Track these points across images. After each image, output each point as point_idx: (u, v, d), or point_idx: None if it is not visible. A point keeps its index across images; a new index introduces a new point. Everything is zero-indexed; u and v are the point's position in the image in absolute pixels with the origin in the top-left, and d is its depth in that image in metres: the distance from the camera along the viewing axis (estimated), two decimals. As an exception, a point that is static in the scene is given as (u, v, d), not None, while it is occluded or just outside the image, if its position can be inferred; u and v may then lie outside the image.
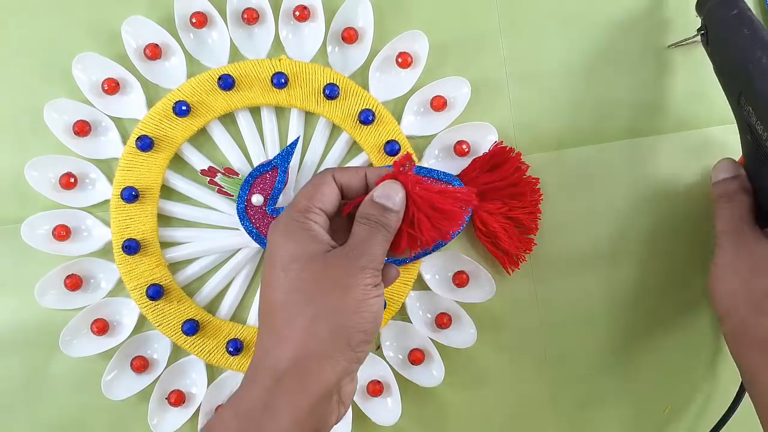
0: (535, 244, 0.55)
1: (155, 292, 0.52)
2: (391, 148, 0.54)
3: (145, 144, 0.52)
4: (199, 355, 0.53)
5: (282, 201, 0.53)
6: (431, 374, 0.54)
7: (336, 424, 0.43)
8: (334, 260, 0.42)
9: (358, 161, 0.55)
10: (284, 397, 0.40)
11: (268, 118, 0.54)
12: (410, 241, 0.45)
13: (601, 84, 0.57)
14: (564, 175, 0.57)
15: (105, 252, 0.53)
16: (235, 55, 0.54)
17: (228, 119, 0.55)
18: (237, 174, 0.53)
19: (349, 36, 0.54)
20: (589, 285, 0.57)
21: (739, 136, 0.51)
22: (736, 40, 0.49)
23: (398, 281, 0.53)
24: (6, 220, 0.53)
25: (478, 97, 0.55)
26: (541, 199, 0.55)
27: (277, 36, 0.54)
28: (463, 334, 0.54)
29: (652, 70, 0.58)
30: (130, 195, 0.52)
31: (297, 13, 0.53)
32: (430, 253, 0.53)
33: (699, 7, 0.53)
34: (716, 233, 0.53)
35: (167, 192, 0.54)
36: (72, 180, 0.52)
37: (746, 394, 0.56)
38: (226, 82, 0.53)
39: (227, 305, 0.54)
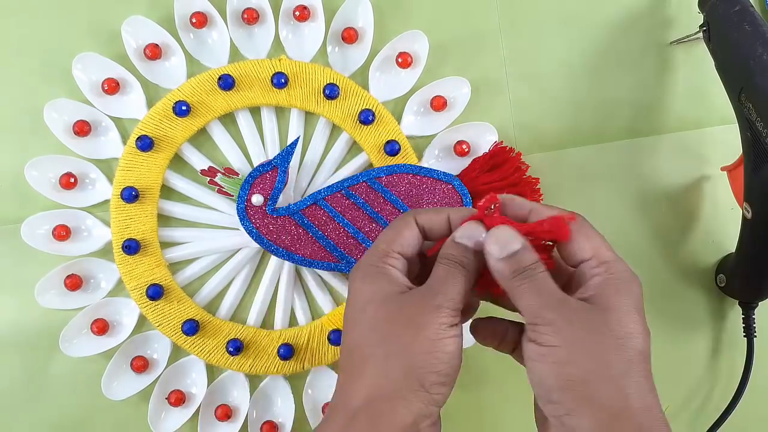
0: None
1: (155, 292, 0.52)
2: (391, 148, 0.54)
3: (145, 144, 0.52)
4: (199, 355, 0.53)
5: (282, 201, 0.53)
6: (431, 374, 0.54)
7: None
8: (410, 299, 0.41)
9: (358, 161, 0.55)
10: None
11: (268, 118, 0.55)
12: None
13: (601, 84, 0.57)
14: (564, 175, 0.57)
15: (105, 252, 0.53)
16: (235, 55, 0.54)
17: (228, 119, 0.55)
18: (237, 174, 0.53)
19: (349, 36, 0.54)
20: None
21: (739, 134, 0.51)
22: (737, 36, 0.49)
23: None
24: (6, 220, 0.53)
25: (478, 97, 0.55)
26: (541, 199, 0.55)
27: (277, 36, 0.54)
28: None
29: (653, 69, 0.58)
30: (130, 195, 0.52)
31: (297, 13, 0.53)
32: None
33: (702, 4, 0.53)
34: (529, 315, 0.40)
35: (167, 192, 0.54)
36: (72, 180, 0.52)
37: (745, 394, 0.56)
38: (226, 82, 0.53)
39: (227, 305, 0.54)
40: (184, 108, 0.52)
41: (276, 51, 0.54)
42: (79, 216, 0.53)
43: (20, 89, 0.53)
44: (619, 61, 0.57)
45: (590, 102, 0.57)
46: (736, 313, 0.58)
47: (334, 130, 0.55)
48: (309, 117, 0.55)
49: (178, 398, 0.53)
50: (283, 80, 0.53)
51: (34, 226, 0.52)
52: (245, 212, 0.52)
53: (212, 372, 0.54)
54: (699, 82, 0.58)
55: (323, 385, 0.54)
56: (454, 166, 0.55)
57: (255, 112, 0.55)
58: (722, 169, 0.56)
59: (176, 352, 0.54)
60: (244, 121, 0.54)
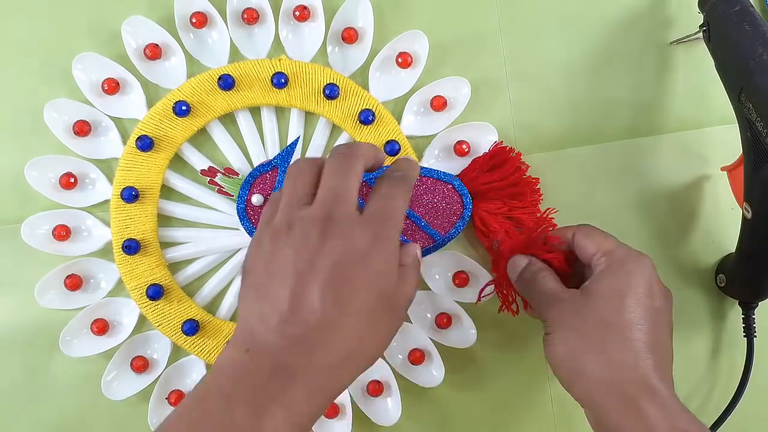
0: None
1: (155, 292, 0.52)
2: (391, 148, 0.54)
3: (145, 144, 0.52)
4: (199, 355, 0.53)
5: (282, 201, 0.53)
6: (431, 374, 0.54)
7: None
8: None
9: (358, 161, 0.55)
10: None
11: (268, 118, 0.55)
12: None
13: (601, 84, 0.57)
14: (564, 175, 0.57)
15: (105, 252, 0.53)
16: (235, 55, 0.54)
17: (228, 119, 0.55)
18: (237, 174, 0.53)
19: (349, 36, 0.54)
20: (589, 285, 0.57)
21: (739, 134, 0.51)
22: (737, 36, 0.49)
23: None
24: (6, 220, 0.53)
25: (478, 97, 0.55)
26: (541, 199, 0.55)
27: (277, 36, 0.54)
28: (463, 334, 0.54)
29: (653, 69, 0.58)
30: (130, 195, 0.52)
31: (297, 13, 0.53)
32: (432, 251, 0.53)
33: (702, 4, 0.53)
34: (537, 315, 0.49)
35: (167, 192, 0.54)
36: (72, 180, 0.52)
37: (745, 394, 0.56)
38: (226, 82, 0.53)
39: (227, 305, 0.54)
40: (184, 108, 0.52)
41: (276, 51, 0.54)
42: (79, 216, 0.53)
43: (20, 89, 0.53)
44: (619, 61, 0.57)
45: (590, 102, 0.57)
46: (736, 313, 0.58)
47: (334, 130, 0.55)
48: (309, 117, 0.55)
49: (178, 398, 0.53)
50: (283, 80, 0.53)
51: (34, 226, 0.52)
52: (245, 212, 0.52)
53: (212, 372, 0.54)
54: (699, 82, 0.58)
55: (323, 385, 0.54)
56: (454, 166, 0.55)
57: (255, 112, 0.55)
58: (722, 169, 0.56)
59: (176, 352, 0.54)
60: (244, 121, 0.54)
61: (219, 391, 0.39)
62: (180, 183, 0.54)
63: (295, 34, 0.54)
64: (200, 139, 0.54)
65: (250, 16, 0.53)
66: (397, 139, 0.54)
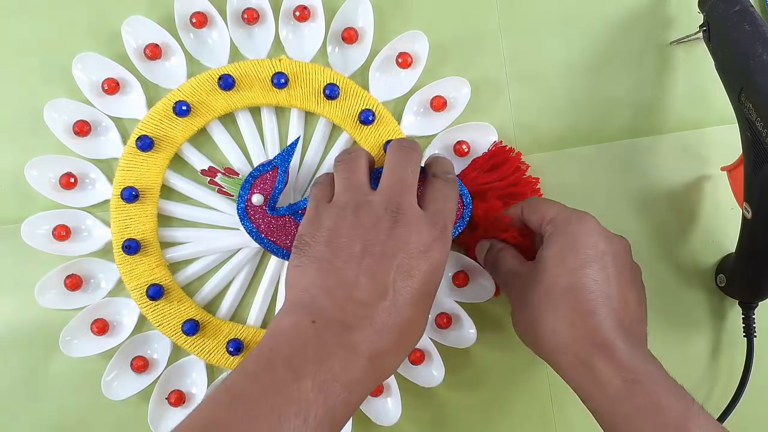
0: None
1: (155, 292, 0.52)
2: (391, 148, 0.54)
3: (145, 144, 0.52)
4: (199, 355, 0.53)
5: (282, 201, 0.53)
6: (431, 374, 0.54)
7: None
8: None
9: (358, 161, 0.55)
10: None
11: (268, 118, 0.55)
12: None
13: (601, 84, 0.57)
14: (564, 175, 0.57)
15: (105, 252, 0.53)
16: (235, 55, 0.54)
17: (228, 119, 0.55)
18: (237, 174, 0.53)
19: (349, 36, 0.54)
20: (589, 285, 0.57)
21: (739, 134, 0.51)
22: (737, 36, 0.49)
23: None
24: (6, 220, 0.53)
25: (478, 97, 0.55)
26: (541, 199, 0.56)
27: (277, 36, 0.54)
28: (462, 334, 0.54)
29: (653, 69, 0.58)
30: (130, 195, 0.52)
31: (297, 13, 0.53)
32: None
33: (702, 4, 0.53)
34: (507, 295, 0.52)
35: (167, 192, 0.54)
36: (72, 180, 0.52)
37: (745, 394, 0.56)
38: (226, 82, 0.53)
39: (227, 305, 0.54)
40: (184, 108, 0.52)
41: (276, 51, 0.54)
42: (79, 216, 0.53)
43: (20, 89, 0.53)
44: (619, 61, 0.57)
45: (590, 102, 0.57)
46: (736, 313, 0.58)
47: (335, 130, 0.55)
48: (309, 117, 0.55)
49: (178, 398, 0.53)
50: (283, 80, 0.53)
51: (34, 226, 0.52)
52: (245, 212, 0.52)
53: (212, 372, 0.54)
54: (699, 82, 0.58)
55: (323, 385, 0.54)
56: (455, 166, 0.55)
57: (255, 112, 0.55)
58: (722, 169, 0.56)
59: (176, 352, 0.54)
60: (244, 121, 0.54)
61: (285, 361, 0.40)
62: (180, 183, 0.54)
63: (295, 34, 0.54)
64: (200, 139, 0.54)
65: (250, 16, 0.53)
66: (397, 139, 0.54)
